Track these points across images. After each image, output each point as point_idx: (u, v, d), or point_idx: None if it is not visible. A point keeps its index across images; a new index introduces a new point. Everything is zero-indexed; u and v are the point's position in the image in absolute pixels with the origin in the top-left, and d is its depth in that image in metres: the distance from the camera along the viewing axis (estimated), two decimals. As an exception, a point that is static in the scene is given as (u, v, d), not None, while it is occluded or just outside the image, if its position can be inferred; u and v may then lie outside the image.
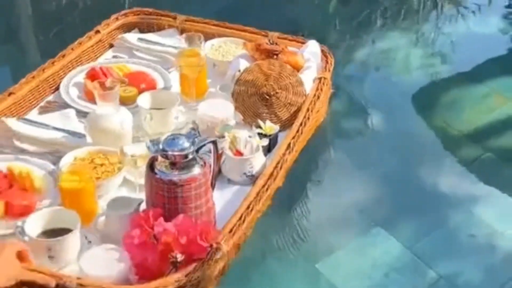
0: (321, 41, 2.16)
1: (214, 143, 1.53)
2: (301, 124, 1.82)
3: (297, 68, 2.00)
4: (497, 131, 2.71)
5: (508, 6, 3.83)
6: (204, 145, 1.49)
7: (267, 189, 1.60)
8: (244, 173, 1.68)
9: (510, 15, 3.75)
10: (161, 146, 1.44)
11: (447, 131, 2.68)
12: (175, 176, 1.43)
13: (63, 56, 2.09)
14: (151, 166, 1.46)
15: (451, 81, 3.08)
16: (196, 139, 1.47)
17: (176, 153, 1.42)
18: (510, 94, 2.93)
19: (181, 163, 1.43)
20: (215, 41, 2.21)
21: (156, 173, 1.45)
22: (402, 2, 3.84)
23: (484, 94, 2.92)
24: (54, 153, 1.77)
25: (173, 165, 1.43)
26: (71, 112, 1.92)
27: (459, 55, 3.33)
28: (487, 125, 2.72)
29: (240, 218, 1.49)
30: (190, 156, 1.44)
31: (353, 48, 3.32)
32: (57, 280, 1.32)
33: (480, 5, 3.80)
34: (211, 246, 1.39)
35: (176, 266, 1.35)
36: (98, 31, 2.23)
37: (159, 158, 1.44)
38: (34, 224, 1.44)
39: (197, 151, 1.46)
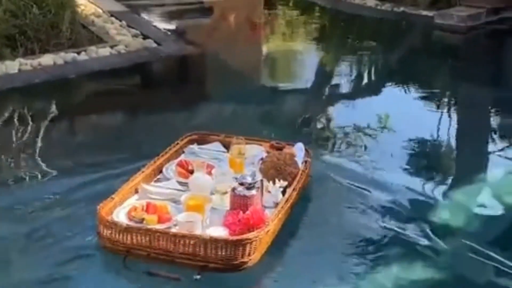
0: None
1: (261, 180, 3.21)
2: (297, 182, 3.51)
3: (293, 156, 3.72)
4: None
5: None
6: (257, 180, 3.16)
7: (286, 203, 3.26)
8: (273, 201, 3.33)
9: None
10: (239, 180, 3.11)
11: None
12: (246, 193, 3.09)
13: (162, 155, 3.78)
14: (233, 189, 3.12)
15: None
16: (254, 177, 3.15)
17: (246, 182, 3.10)
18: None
19: (248, 187, 3.10)
20: (243, 146, 3.92)
21: (236, 192, 3.10)
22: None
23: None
24: (170, 200, 3.40)
25: (245, 188, 3.10)
26: (173, 180, 3.57)
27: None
28: None
29: (275, 215, 3.14)
30: (252, 184, 3.11)
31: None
32: (198, 237, 2.91)
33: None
34: (265, 222, 3.01)
35: (250, 231, 2.97)
36: (178, 143, 3.94)
37: (238, 185, 3.11)
38: (181, 218, 3.05)
39: (255, 182, 3.13)
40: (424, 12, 8.62)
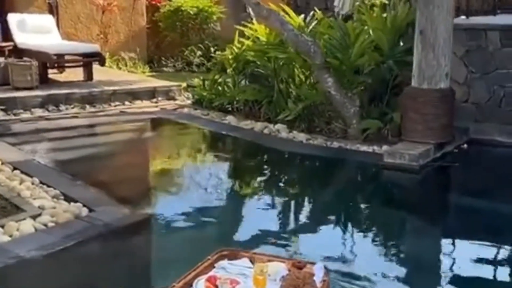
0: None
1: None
2: (316, 299, 3.85)
3: (312, 275, 4.06)
4: None
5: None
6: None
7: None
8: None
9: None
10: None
11: None
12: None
13: (194, 270, 4.17)
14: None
15: None
16: None
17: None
18: None
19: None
20: (266, 264, 4.28)
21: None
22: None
23: None
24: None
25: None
26: (203, 294, 3.95)
27: None
28: None
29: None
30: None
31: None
32: None
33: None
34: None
35: None
36: (209, 259, 4.33)
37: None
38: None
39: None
40: (363, 148, 7.89)
